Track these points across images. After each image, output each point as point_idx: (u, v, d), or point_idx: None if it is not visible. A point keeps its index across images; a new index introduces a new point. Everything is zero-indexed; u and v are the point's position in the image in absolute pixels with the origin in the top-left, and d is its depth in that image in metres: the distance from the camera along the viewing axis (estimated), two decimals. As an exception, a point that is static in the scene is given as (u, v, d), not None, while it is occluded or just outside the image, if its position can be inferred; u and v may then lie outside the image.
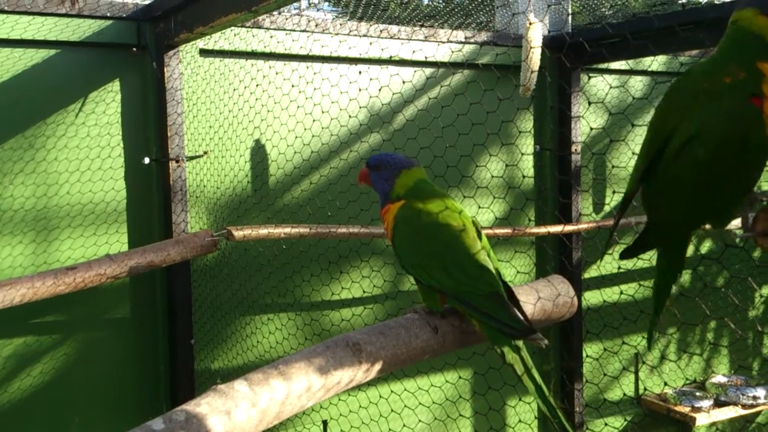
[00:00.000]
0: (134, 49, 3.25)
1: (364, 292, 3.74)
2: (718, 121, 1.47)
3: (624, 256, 1.70)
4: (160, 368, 3.38)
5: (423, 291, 1.86)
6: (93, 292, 3.15)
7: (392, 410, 3.71)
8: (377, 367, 1.72)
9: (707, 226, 1.64)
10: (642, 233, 1.67)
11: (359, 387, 3.47)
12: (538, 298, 2.04)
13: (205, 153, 3.38)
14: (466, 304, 1.74)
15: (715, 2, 4.18)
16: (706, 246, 4.83)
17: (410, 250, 1.86)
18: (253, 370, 1.52)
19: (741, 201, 1.54)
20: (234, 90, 3.44)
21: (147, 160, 3.28)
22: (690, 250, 4.71)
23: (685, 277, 4.75)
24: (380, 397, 3.67)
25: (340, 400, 3.64)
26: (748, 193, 1.53)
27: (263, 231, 3.00)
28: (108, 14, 3.16)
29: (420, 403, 3.74)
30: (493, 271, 1.76)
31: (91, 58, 3.21)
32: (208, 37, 3.27)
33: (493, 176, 3.98)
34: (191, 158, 3.34)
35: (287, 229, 3.05)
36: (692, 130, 1.49)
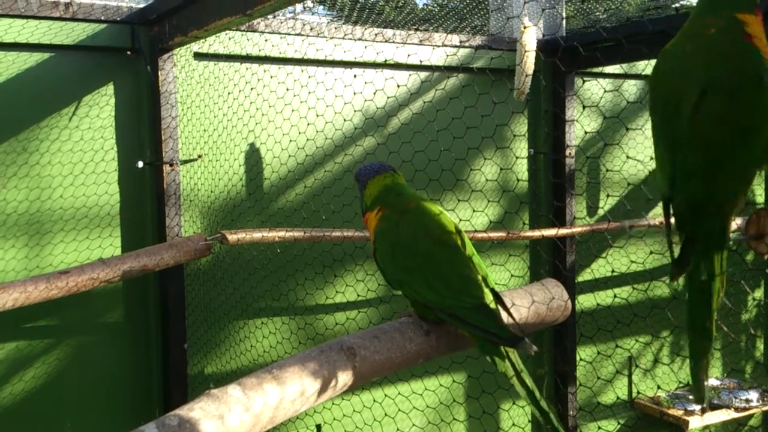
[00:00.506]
0: (128, 52, 3.24)
1: (358, 295, 3.73)
2: (723, 65, 1.43)
3: (674, 277, 1.58)
4: (153, 372, 3.37)
5: (411, 302, 1.85)
6: (86, 297, 3.14)
7: (386, 414, 3.71)
8: (371, 371, 1.71)
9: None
10: (682, 246, 1.54)
11: (353, 391, 3.46)
12: (532, 301, 2.04)
13: (200, 157, 3.37)
14: (453, 316, 1.72)
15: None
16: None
17: (392, 266, 1.83)
18: (246, 374, 1.52)
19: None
20: (228, 93, 3.43)
21: (141, 164, 3.27)
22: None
23: (679, 280, 4.75)
24: (374, 401, 3.66)
25: (333, 404, 3.64)
26: None
27: (257, 235, 2.99)
28: (102, 18, 3.16)
29: (414, 407, 3.74)
30: (478, 280, 1.72)
31: (85, 62, 3.20)
32: (203, 40, 3.27)
33: (487, 179, 3.99)
34: (185, 162, 3.34)
35: (281, 233, 3.05)
36: (700, 86, 1.43)
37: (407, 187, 1.94)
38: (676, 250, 1.53)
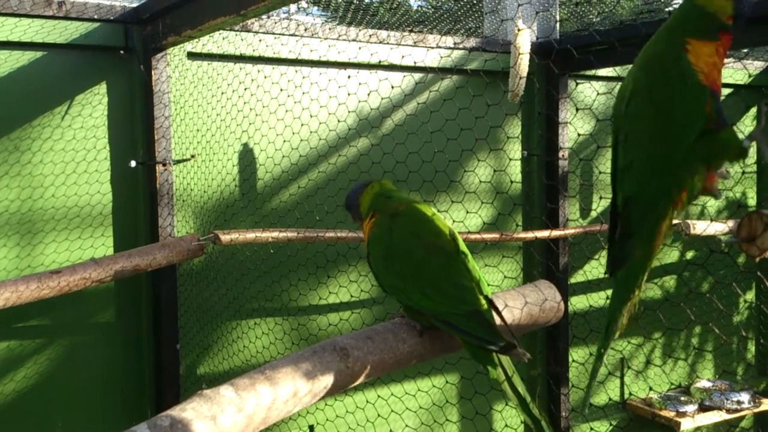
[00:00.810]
0: (122, 51, 3.23)
1: (351, 296, 3.73)
2: (645, 72, 1.54)
3: (613, 267, 1.63)
4: (145, 373, 3.36)
5: (404, 308, 1.84)
6: (78, 296, 3.13)
7: (379, 415, 3.71)
8: (364, 371, 1.71)
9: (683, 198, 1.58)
10: (619, 233, 1.61)
11: (346, 392, 3.46)
12: (525, 303, 2.04)
13: (193, 156, 3.36)
14: (446, 323, 1.71)
15: None
16: (691, 252, 4.86)
17: (385, 272, 1.83)
18: (239, 375, 1.52)
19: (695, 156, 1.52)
20: (222, 93, 3.43)
21: (133, 164, 3.26)
22: (675, 256, 4.75)
23: (670, 282, 4.78)
24: (367, 401, 3.66)
25: (326, 405, 3.64)
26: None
27: (250, 235, 2.99)
28: (95, 16, 3.15)
29: (407, 408, 3.74)
30: (471, 287, 1.71)
31: (77, 61, 3.19)
32: (197, 40, 3.26)
33: (481, 181, 3.99)
34: (178, 162, 3.33)
35: (275, 233, 3.04)
36: (630, 89, 1.55)
37: (396, 191, 1.95)
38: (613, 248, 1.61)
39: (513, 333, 1.72)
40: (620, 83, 1.81)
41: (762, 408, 4.70)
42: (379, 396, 3.71)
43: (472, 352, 1.71)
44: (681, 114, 1.48)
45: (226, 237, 2.92)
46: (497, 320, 1.79)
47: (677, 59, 1.48)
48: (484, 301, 1.72)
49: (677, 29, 1.54)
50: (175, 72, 3.32)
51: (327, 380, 1.61)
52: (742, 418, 4.88)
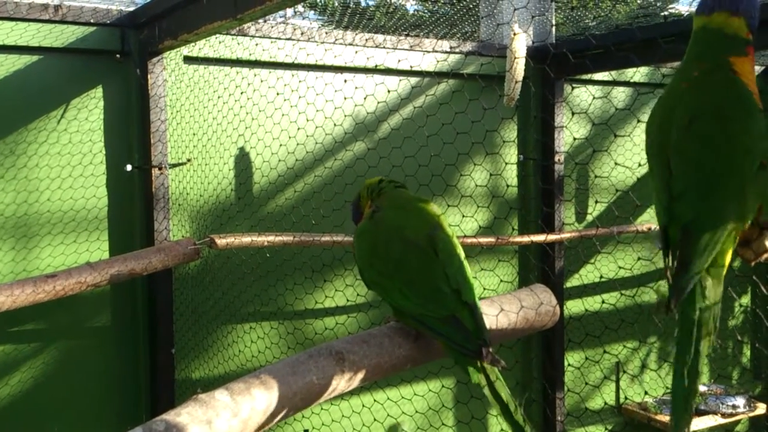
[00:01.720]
0: (118, 55, 3.23)
1: (347, 300, 3.73)
2: (704, 94, 1.47)
3: (676, 298, 1.51)
4: (140, 377, 3.35)
5: (390, 304, 1.83)
6: (73, 301, 3.12)
7: (375, 419, 3.70)
8: (360, 375, 1.71)
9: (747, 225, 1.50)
10: (678, 264, 1.50)
11: (342, 396, 3.45)
12: (521, 307, 2.05)
13: (189, 161, 3.36)
14: (423, 324, 1.71)
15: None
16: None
17: (368, 267, 1.81)
18: (234, 379, 1.52)
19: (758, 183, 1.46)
20: (218, 97, 3.43)
21: (129, 168, 3.26)
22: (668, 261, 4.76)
23: (666, 286, 4.77)
24: (363, 406, 3.65)
25: (322, 409, 3.63)
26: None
27: (246, 239, 2.98)
28: (92, 20, 3.15)
29: (403, 412, 3.73)
30: (447, 290, 1.69)
31: (74, 65, 3.19)
32: (193, 44, 3.26)
33: (477, 185, 3.99)
34: (174, 166, 3.33)
35: (271, 237, 3.04)
36: (690, 113, 1.46)
37: (393, 187, 1.92)
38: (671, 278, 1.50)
39: (488, 339, 1.67)
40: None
41: (757, 412, 4.71)
42: (375, 400, 3.71)
43: (453, 355, 1.71)
44: (752, 137, 1.44)
45: (222, 241, 2.92)
46: (489, 323, 1.78)
47: (735, 82, 1.46)
48: (462, 307, 1.69)
49: (708, 53, 1.51)
50: (172, 76, 3.32)
51: (322, 384, 1.61)
52: (737, 422, 4.89)
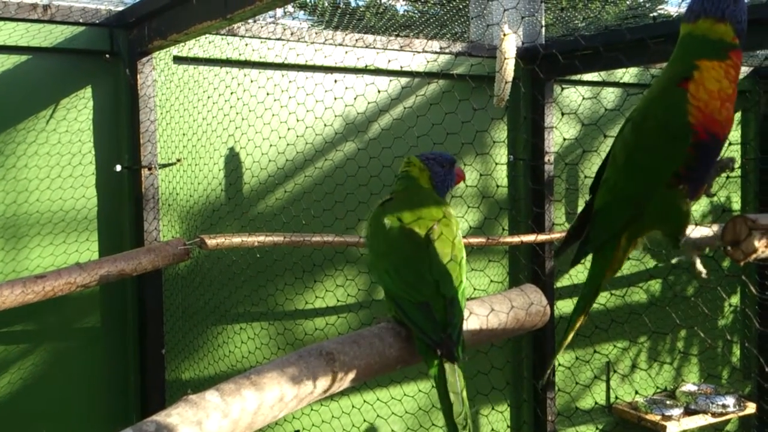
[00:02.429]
0: (107, 55, 3.22)
1: (338, 301, 3.73)
2: (645, 100, 1.58)
3: (573, 263, 1.77)
4: (130, 378, 3.34)
5: (384, 298, 1.90)
6: (62, 301, 3.10)
7: (365, 420, 3.70)
8: (350, 376, 1.71)
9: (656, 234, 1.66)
10: (584, 236, 1.71)
11: (332, 397, 3.45)
12: (512, 307, 2.05)
13: (179, 161, 3.35)
14: (399, 307, 1.79)
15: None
16: (676, 256, 4.89)
17: (369, 248, 1.93)
18: (224, 380, 1.51)
19: (659, 194, 1.56)
20: (208, 98, 3.42)
21: (119, 168, 3.25)
22: (660, 260, 4.78)
23: (656, 286, 4.81)
24: (353, 406, 3.65)
25: (312, 409, 3.63)
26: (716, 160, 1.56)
27: (237, 239, 2.98)
28: (81, 20, 3.13)
29: (393, 413, 3.73)
30: (430, 279, 1.76)
31: (63, 65, 3.17)
32: (183, 44, 3.25)
33: (467, 185, 4.00)
34: (164, 166, 3.32)
35: (261, 238, 3.04)
36: (634, 110, 1.61)
37: (415, 182, 2.00)
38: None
39: (455, 336, 1.72)
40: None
41: (747, 411, 4.73)
42: (365, 401, 3.71)
43: (418, 343, 1.77)
44: (656, 157, 1.53)
45: (212, 241, 2.91)
46: (480, 323, 1.82)
47: (674, 94, 1.50)
48: (439, 298, 1.76)
49: (680, 58, 1.56)
50: (161, 76, 3.31)
51: (313, 385, 1.60)
52: (727, 421, 4.91)
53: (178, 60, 3.35)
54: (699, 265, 1.58)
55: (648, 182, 1.55)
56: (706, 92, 1.48)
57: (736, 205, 5.12)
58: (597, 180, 1.71)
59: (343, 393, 3.65)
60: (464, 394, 1.70)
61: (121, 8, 3.22)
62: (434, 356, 1.72)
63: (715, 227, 1.61)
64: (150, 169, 3.21)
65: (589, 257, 1.73)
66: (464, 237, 3.49)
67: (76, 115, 3.20)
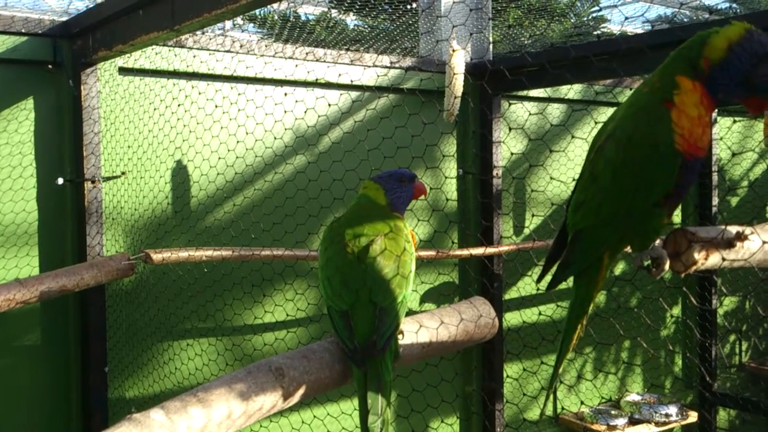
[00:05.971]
0: (50, 66, 3.14)
1: (287, 315, 3.70)
2: (629, 119, 1.56)
3: (549, 286, 1.75)
4: (72, 397, 3.24)
5: None
6: (1, 318, 3.00)
7: (315, 435, 3.66)
8: (300, 391, 1.70)
9: (628, 249, 1.67)
10: (562, 259, 1.69)
11: (282, 412, 3.41)
12: (461, 319, 2.06)
13: (123, 174, 3.29)
14: (329, 316, 1.88)
15: (628, 34, 4.37)
16: (619, 268, 5.00)
17: (320, 259, 2.01)
18: (170, 397, 1.48)
19: (650, 216, 1.57)
20: (155, 109, 3.36)
21: (61, 181, 3.17)
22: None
23: (600, 297, 4.90)
24: (302, 422, 3.62)
25: (261, 426, 3.58)
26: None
27: (183, 254, 2.93)
28: (23, 30, 3.05)
29: (343, 428, 3.71)
30: (355, 289, 1.83)
31: (4, 75, 3.09)
32: (128, 55, 3.20)
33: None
34: (108, 179, 3.25)
35: (209, 252, 3.00)
36: (609, 131, 1.59)
37: (369, 199, 2.05)
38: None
39: (373, 344, 1.77)
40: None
41: (689, 420, 4.86)
42: (314, 416, 3.67)
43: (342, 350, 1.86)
44: (648, 179, 1.52)
45: (157, 256, 2.86)
46: (421, 334, 1.87)
47: (660, 119, 1.49)
48: (362, 307, 1.82)
49: (667, 69, 1.56)
50: (106, 87, 3.25)
51: (262, 401, 1.59)
52: (670, 430, 5.03)
53: (124, 71, 3.29)
54: (666, 264, 1.59)
55: (639, 202, 1.54)
56: (688, 120, 1.49)
57: (677, 218, 5.27)
58: (569, 202, 1.68)
59: (293, 408, 3.61)
60: (383, 401, 1.75)
61: (65, 18, 3.16)
62: (354, 363, 1.81)
63: (657, 240, 1.65)
64: (93, 182, 3.14)
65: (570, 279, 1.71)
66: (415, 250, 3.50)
67: (17, 127, 3.11)
